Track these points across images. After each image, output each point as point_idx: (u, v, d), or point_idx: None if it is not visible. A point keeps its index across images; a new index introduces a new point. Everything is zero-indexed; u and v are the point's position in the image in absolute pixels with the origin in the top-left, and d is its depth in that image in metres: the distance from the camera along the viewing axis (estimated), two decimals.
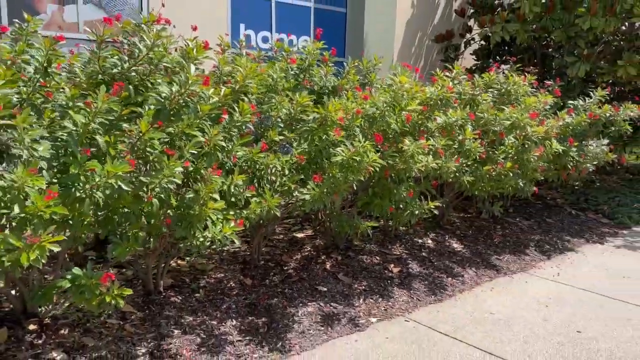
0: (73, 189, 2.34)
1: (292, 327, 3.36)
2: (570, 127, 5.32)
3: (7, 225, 2.29)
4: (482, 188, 4.60)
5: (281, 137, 3.50)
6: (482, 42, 8.08)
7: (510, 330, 3.50)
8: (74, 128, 2.40)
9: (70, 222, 2.44)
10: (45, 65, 2.52)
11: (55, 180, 2.43)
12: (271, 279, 3.95)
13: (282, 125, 3.64)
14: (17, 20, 2.91)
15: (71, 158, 2.34)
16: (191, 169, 2.91)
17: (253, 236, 4.09)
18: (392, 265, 4.42)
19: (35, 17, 2.83)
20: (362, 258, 4.49)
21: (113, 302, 2.45)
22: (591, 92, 5.79)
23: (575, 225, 6.15)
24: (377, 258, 4.54)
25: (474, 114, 4.20)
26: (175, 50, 3.22)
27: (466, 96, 4.57)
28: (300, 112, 3.55)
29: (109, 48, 2.84)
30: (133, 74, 2.72)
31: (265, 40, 6.60)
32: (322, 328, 3.39)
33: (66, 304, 3.15)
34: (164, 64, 2.89)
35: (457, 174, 4.25)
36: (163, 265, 3.52)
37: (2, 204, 2.26)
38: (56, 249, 2.17)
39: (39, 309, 3.00)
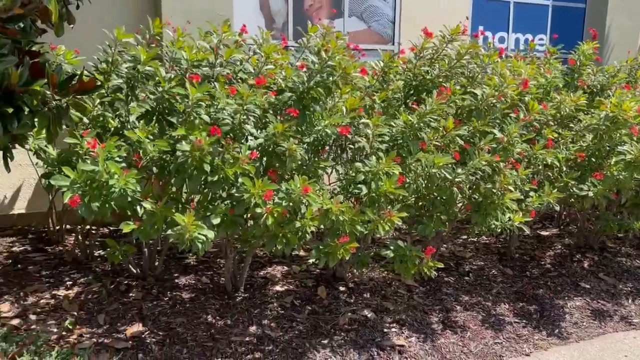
0: (404, 176, 2.83)
1: (564, 317, 3.51)
2: None
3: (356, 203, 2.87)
4: None
5: (555, 135, 3.66)
6: None
7: None
8: (404, 126, 2.89)
9: (396, 203, 2.94)
10: (382, 75, 3.09)
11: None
12: (530, 271, 4.13)
13: (552, 124, 3.79)
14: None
15: (405, 150, 2.83)
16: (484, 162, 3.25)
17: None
18: None
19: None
20: (620, 260, 4.42)
21: (427, 272, 2.90)
22: None
23: None
24: (638, 261, 4.42)
25: None
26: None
27: None
28: (575, 110, 3.67)
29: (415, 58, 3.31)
30: (441, 79, 3.15)
31: (501, 40, 6.72)
32: (594, 322, 3.48)
33: (355, 272, 3.74)
34: (460, 68, 3.28)
35: None
36: (436, 249, 3.94)
37: (352, 186, 2.85)
38: (399, 222, 2.68)
39: (346, 274, 3.62)
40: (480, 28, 6.57)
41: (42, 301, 3.13)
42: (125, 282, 3.44)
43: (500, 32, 6.74)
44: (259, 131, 2.71)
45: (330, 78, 2.66)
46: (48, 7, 1.91)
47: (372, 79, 3.17)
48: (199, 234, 2.31)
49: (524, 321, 3.42)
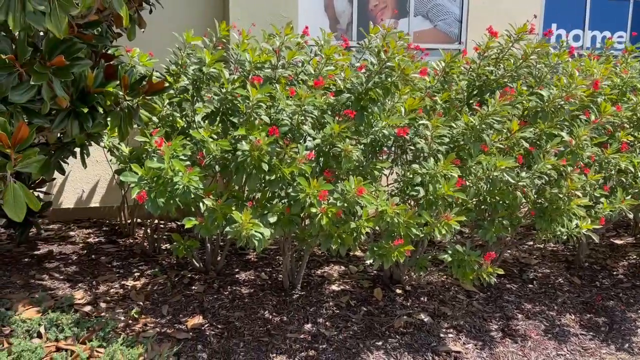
0: (464, 178, 2.77)
1: (636, 331, 3.31)
2: None
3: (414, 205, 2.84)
4: None
5: (631, 138, 3.46)
6: None
7: None
8: (465, 127, 2.84)
9: (455, 206, 2.88)
10: (444, 75, 3.05)
11: None
12: (600, 281, 3.93)
13: (627, 126, 3.58)
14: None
15: (466, 152, 2.77)
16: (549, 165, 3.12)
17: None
18: None
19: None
20: None
21: (486, 278, 2.82)
22: None
23: None
24: None
25: None
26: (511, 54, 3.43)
27: None
28: None
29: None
30: (506, 79, 3.06)
31: (576, 38, 6.41)
32: None
33: (412, 275, 3.70)
34: (527, 69, 3.17)
35: None
36: (498, 255, 3.82)
37: (409, 188, 2.83)
38: (457, 227, 2.63)
39: (404, 277, 3.59)
40: (553, 26, 6.30)
41: (112, 290, 3.33)
42: (189, 275, 3.58)
43: (576, 29, 6.43)
44: (316, 132, 2.74)
45: (389, 79, 2.65)
46: (120, 13, 2.03)
47: (432, 80, 3.13)
48: (255, 231, 2.37)
49: (591, 333, 3.26)
